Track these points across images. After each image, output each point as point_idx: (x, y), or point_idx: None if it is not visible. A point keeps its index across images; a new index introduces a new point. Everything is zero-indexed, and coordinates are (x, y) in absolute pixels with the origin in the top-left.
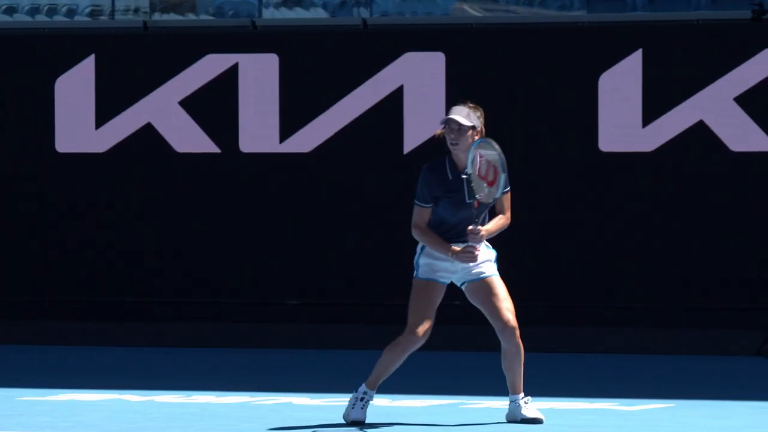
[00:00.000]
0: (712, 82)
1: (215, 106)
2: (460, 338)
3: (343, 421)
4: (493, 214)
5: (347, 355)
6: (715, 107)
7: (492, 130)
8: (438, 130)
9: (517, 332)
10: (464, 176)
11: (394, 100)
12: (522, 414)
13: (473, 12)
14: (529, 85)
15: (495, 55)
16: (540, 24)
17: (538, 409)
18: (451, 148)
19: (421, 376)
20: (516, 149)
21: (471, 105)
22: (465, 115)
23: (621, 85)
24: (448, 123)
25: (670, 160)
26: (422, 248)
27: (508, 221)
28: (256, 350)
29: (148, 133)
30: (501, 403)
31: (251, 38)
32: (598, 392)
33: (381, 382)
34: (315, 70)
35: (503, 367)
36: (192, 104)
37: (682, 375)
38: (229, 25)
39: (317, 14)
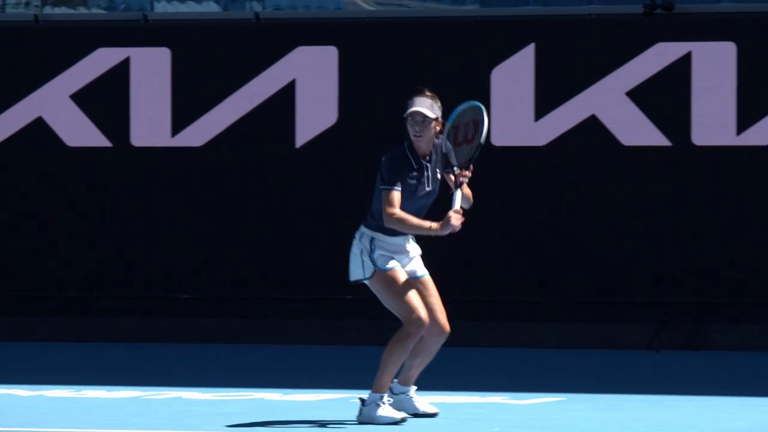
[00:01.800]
0: (604, 77)
1: (107, 100)
2: (351, 332)
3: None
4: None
5: (237, 350)
6: (607, 101)
7: (384, 124)
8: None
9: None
10: (441, 170)
11: (287, 94)
12: (416, 407)
13: (366, 6)
14: (421, 80)
15: (387, 50)
16: (432, 18)
17: (430, 403)
18: (414, 140)
19: (313, 371)
20: None
21: (429, 94)
22: (428, 107)
23: (513, 80)
24: (413, 116)
25: (563, 154)
26: (371, 242)
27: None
28: (147, 345)
29: (38, 127)
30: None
31: (143, 32)
32: (489, 386)
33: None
34: (207, 64)
35: (412, 361)
36: (83, 98)
37: (573, 369)
38: (121, 19)
39: (209, 8)
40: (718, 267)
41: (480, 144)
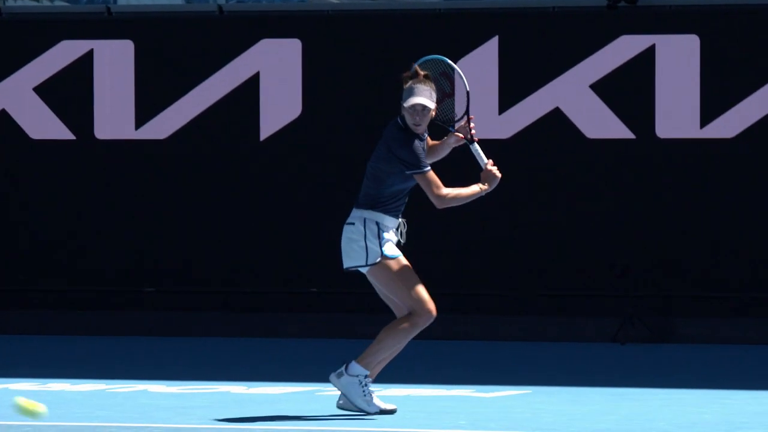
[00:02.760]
0: (568, 69)
1: (70, 92)
2: (316, 325)
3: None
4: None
5: (202, 343)
6: (571, 94)
7: (349, 117)
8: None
9: None
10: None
11: (251, 87)
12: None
13: None
14: (385, 73)
15: (352, 42)
16: (397, 11)
17: (394, 397)
18: (413, 128)
19: (278, 364)
20: (374, 138)
21: (424, 74)
22: (428, 96)
23: (477, 73)
24: (414, 107)
25: (527, 147)
26: (378, 227)
27: None
28: (111, 338)
29: (2, 120)
30: None
31: (106, 24)
32: (455, 379)
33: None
34: (171, 56)
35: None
36: (47, 91)
37: (539, 361)
38: (85, 11)
39: (173, 0)
40: (684, 260)
41: (468, 92)
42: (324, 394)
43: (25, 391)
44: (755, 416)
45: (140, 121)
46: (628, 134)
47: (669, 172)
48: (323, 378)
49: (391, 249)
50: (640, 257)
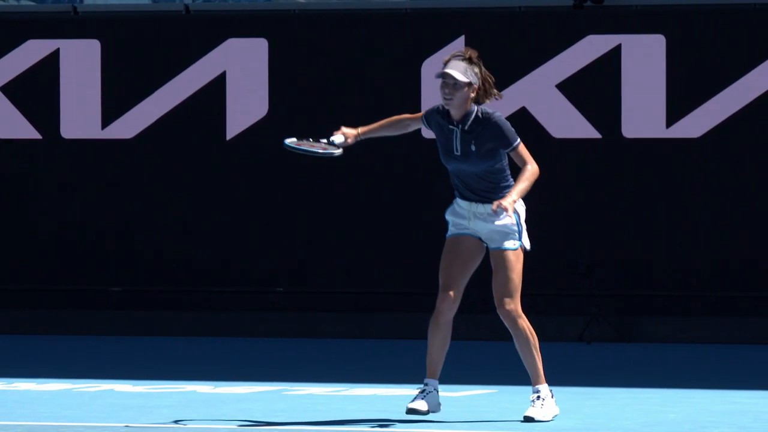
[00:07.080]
0: (535, 69)
1: (36, 91)
2: (283, 324)
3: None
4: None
5: (168, 342)
6: (538, 94)
7: (316, 116)
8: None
9: (513, 315)
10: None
11: (217, 87)
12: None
13: None
14: (352, 72)
15: (318, 42)
16: (363, 10)
17: (361, 396)
18: (444, 103)
19: (245, 363)
20: None
21: (470, 56)
22: (462, 71)
23: None
24: (444, 77)
25: None
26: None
27: (533, 168)
28: (76, 337)
29: None
30: (323, 390)
31: (73, 24)
32: (420, 378)
33: (440, 367)
34: (137, 56)
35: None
36: (13, 90)
37: (505, 361)
38: (51, 11)
39: (139, 0)
40: (649, 259)
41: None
42: (290, 393)
43: None
44: (720, 415)
45: (106, 120)
46: (594, 134)
47: (635, 172)
48: (290, 377)
49: (449, 229)
50: (606, 256)
